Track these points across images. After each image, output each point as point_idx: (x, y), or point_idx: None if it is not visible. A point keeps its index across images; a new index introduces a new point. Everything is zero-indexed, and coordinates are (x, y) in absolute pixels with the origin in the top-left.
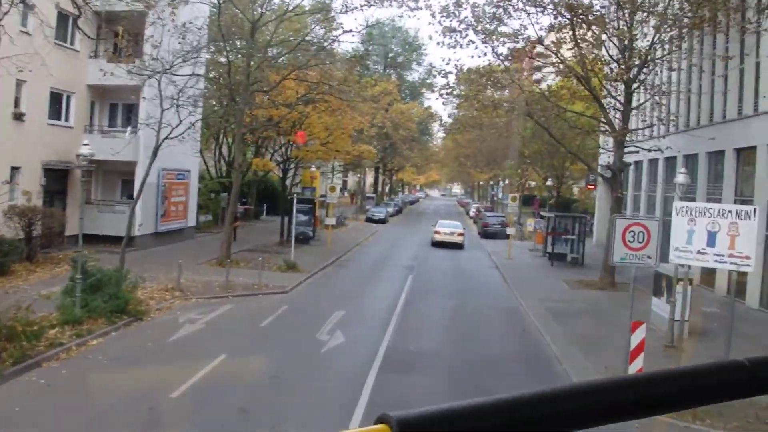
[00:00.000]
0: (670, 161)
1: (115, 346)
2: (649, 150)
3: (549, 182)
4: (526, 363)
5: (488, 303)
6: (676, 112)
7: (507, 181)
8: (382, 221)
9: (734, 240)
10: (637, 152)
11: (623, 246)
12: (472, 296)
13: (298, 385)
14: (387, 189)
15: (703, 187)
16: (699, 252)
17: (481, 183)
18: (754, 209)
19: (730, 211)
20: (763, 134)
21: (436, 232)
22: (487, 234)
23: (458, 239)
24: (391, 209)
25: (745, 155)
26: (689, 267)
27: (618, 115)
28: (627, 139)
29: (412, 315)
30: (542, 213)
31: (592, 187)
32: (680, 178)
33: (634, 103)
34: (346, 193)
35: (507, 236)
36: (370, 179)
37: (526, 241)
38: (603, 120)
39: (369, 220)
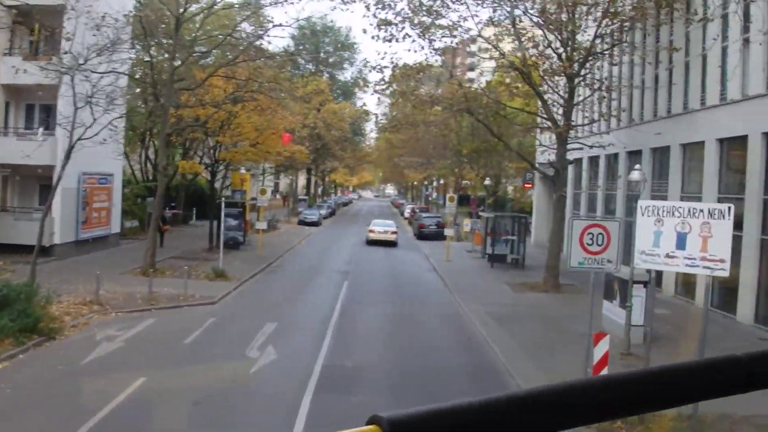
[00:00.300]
0: (612, 158)
1: (21, 371)
2: (591, 147)
3: (487, 181)
4: (475, 377)
5: (429, 309)
6: (618, 107)
7: (442, 181)
8: (315, 224)
9: (707, 241)
10: (581, 149)
11: (581, 250)
12: (412, 302)
13: (224, 413)
14: (320, 191)
15: (648, 184)
16: (668, 255)
17: (415, 183)
18: (729, 207)
19: (701, 210)
20: (711, 129)
21: (371, 231)
22: (423, 235)
23: (392, 237)
24: (324, 211)
25: (692, 151)
26: (653, 272)
27: (560, 110)
28: (570, 135)
29: (349, 325)
30: (480, 213)
31: (529, 186)
32: (635, 174)
33: (578, 99)
34: (278, 196)
35: (444, 237)
36: (302, 181)
37: (464, 242)
38: (545, 116)
39: (302, 222)
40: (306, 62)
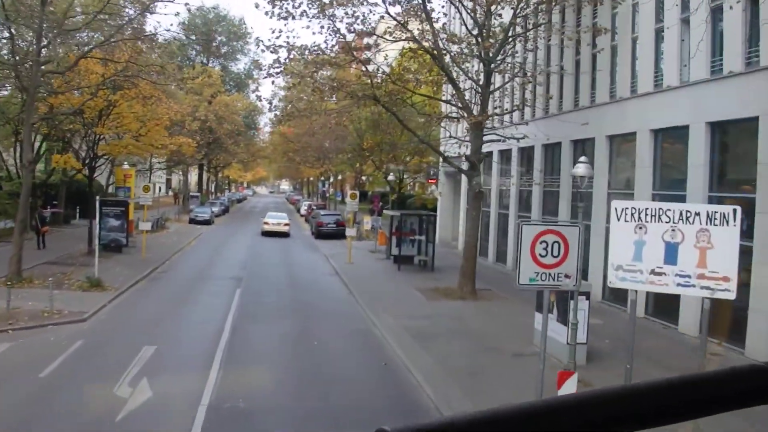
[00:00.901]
0: (526, 151)
1: None
2: (505, 139)
3: (391, 177)
4: (396, 416)
5: (335, 325)
6: (546, 93)
7: (339, 177)
8: (207, 222)
9: (705, 254)
10: (502, 141)
11: (533, 262)
12: (315, 316)
13: None
14: (213, 187)
15: (567, 179)
16: (653, 272)
17: (311, 179)
18: (735, 210)
19: (698, 214)
20: (643, 119)
21: (265, 223)
22: (322, 234)
23: (284, 228)
24: (216, 209)
25: (620, 143)
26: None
27: (476, 98)
28: (487, 126)
29: (241, 349)
30: (385, 210)
31: (433, 181)
32: (581, 168)
33: (494, 87)
34: (170, 193)
35: (345, 236)
36: (195, 177)
37: (366, 240)
38: (458, 104)
39: (193, 221)
40: (197, 53)
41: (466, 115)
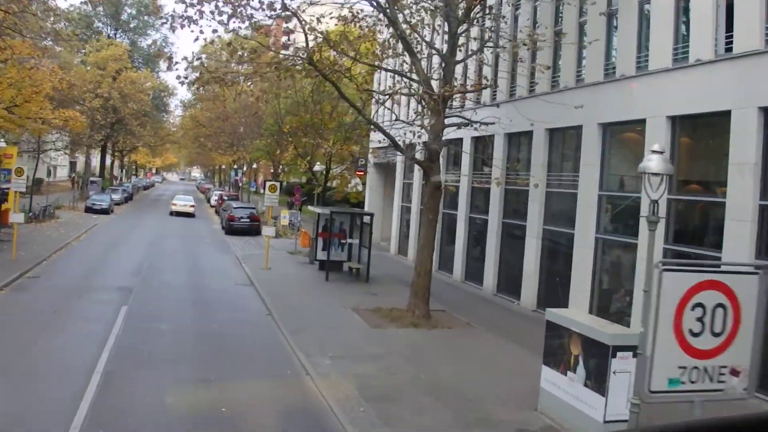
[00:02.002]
0: (481, 141)
1: None
2: (474, 123)
3: (318, 167)
4: None
5: (254, 379)
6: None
7: (254, 165)
8: (106, 211)
9: None
10: (470, 126)
11: (678, 347)
12: (225, 357)
13: None
14: (123, 173)
15: (542, 175)
16: None
17: (224, 167)
18: None
19: None
20: (657, 102)
21: (174, 204)
22: (233, 230)
23: (191, 209)
24: (117, 196)
25: (614, 131)
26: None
27: (436, 71)
28: (449, 108)
29: (114, 419)
30: (311, 207)
31: (361, 173)
32: (653, 162)
33: (461, 57)
34: (75, 176)
35: (259, 233)
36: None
37: (283, 238)
38: (414, 78)
39: (89, 210)
40: (105, 25)
41: (424, 91)
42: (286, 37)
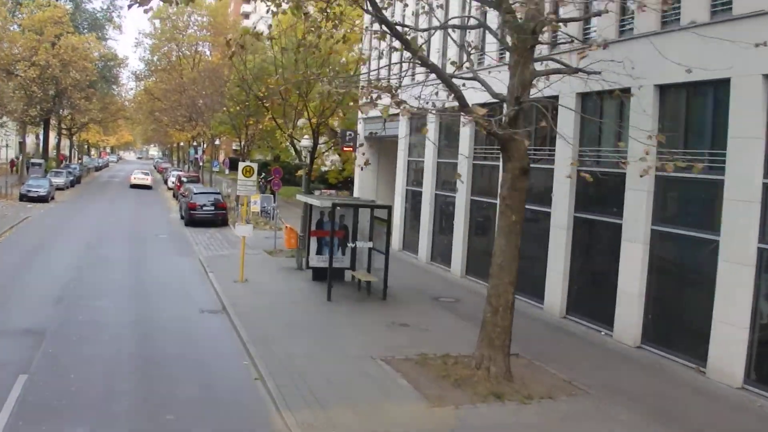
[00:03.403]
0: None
1: None
2: (590, 74)
3: (306, 141)
4: None
5: None
6: None
7: (217, 141)
8: (44, 199)
9: None
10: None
11: None
12: None
13: None
14: (73, 153)
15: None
16: None
17: (182, 144)
18: None
19: None
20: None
21: (133, 178)
22: (195, 221)
23: (148, 181)
24: (61, 180)
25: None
26: None
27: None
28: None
29: None
30: (299, 196)
31: (350, 149)
32: None
33: None
34: (15, 158)
35: (225, 224)
36: (52, 140)
37: (256, 228)
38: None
39: (24, 197)
40: None
41: (503, 19)
42: None
